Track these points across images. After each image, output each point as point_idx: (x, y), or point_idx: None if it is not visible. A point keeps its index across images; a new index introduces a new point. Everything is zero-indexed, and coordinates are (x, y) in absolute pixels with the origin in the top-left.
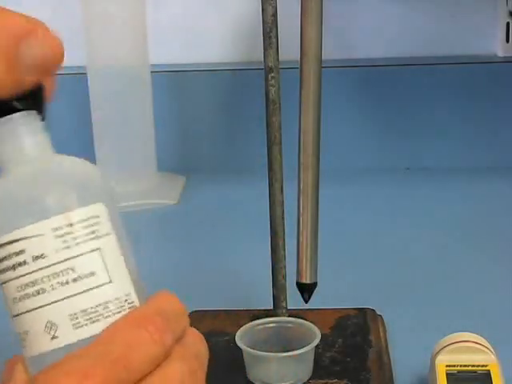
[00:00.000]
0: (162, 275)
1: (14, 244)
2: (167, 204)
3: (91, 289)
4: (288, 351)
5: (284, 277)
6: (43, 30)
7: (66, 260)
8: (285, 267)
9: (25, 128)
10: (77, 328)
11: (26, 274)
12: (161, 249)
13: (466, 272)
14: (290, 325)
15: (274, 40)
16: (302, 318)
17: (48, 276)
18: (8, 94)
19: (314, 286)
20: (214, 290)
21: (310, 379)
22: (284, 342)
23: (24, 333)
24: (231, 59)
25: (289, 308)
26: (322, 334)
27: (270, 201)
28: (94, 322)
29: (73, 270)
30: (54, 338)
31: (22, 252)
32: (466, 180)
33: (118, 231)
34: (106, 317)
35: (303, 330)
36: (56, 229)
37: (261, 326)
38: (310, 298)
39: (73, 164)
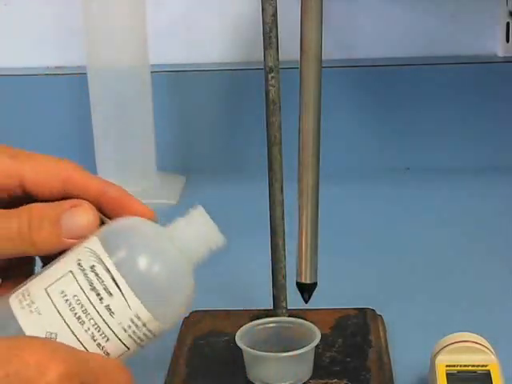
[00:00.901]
0: None
1: (110, 280)
2: (167, 204)
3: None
4: (288, 351)
5: (284, 277)
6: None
7: (114, 332)
8: (285, 267)
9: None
10: None
11: (92, 303)
12: None
13: (467, 272)
14: (290, 325)
15: (273, 40)
16: (302, 318)
17: (96, 322)
18: (49, 250)
19: (313, 286)
20: (214, 289)
21: (310, 379)
22: (284, 342)
23: (36, 308)
24: (231, 59)
25: (289, 308)
26: (322, 334)
27: (270, 201)
28: None
29: (107, 339)
30: None
31: (107, 291)
32: (467, 180)
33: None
34: None
35: (303, 330)
36: (136, 313)
37: (261, 326)
38: (310, 298)
39: (182, 283)
